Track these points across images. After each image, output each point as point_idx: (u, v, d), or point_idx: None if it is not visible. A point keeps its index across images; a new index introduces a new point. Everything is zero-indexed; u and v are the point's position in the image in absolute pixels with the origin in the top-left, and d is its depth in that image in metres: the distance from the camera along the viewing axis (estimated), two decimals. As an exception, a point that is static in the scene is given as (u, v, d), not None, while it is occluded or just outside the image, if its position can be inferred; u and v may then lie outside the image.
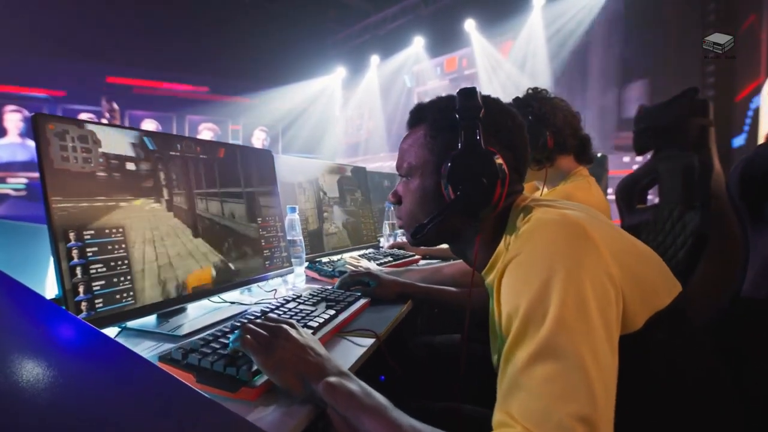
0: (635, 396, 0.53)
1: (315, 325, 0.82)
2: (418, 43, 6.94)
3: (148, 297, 0.80)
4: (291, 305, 0.93)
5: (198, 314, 0.97)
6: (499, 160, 0.68)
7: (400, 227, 0.83)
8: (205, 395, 0.47)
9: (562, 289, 0.49)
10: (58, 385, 0.40)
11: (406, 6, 6.94)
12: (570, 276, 0.50)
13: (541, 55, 5.26)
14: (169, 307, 0.85)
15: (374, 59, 7.54)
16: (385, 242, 2.05)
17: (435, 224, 0.72)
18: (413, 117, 0.79)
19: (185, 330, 0.87)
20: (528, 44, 5.46)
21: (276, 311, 0.87)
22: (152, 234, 0.83)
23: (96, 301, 0.71)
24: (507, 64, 5.69)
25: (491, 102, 0.73)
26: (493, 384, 0.52)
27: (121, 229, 0.77)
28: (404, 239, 2.02)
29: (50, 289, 0.83)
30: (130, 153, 0.83)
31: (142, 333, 0.87)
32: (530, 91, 1.43)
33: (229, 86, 7.32)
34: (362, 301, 1.03)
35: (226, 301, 1.07)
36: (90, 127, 0.76)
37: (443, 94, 0.79)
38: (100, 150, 0.77)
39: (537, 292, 0.50)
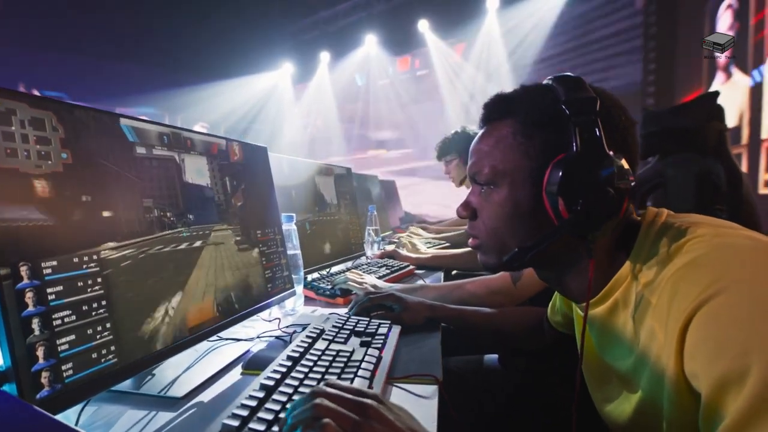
0: None
1: (366, 375, 0.63)
2: (371, 41, 6.78)
3: (137, 349, 0.57)
4: (320, 345, 0.72)
5: (188, 360, 0.74)
6: (626, 166, 0.54)
7: (475, 247, 0.66)
8: None
9: None
10: None
11: (357, 3, 6.75)
12: None
13: (502, 61, 5.32)
14: (165, 358, 0.62)
15: (324, 56, 7.26)
16: (369, 250, 1.86)
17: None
18: (494, 111, 0.63)
19: (182, 388, 0.64)
20: (488, 48, 5.50)
21: (308, 356, 0.67)
22: (136, 259, 0.60)
23: (64, 366, 0.47)
24: (469, 67, 5.70)
25: (601, 93, 0.58)
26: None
27: (95, 256, 0.53)
28: (390, 247, 1.85)
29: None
30: (104, 146, 0.59)
31: (120, 396, 0.63)
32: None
33: (165, 77, 6.67)
34: (395, 332, 0.85)
35: (221, 338, 0.84)
36: (48, 107, 0.52)
37: (530, 83, 0.63)
38: (62, 141, 0.52)
39: None
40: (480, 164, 0.62)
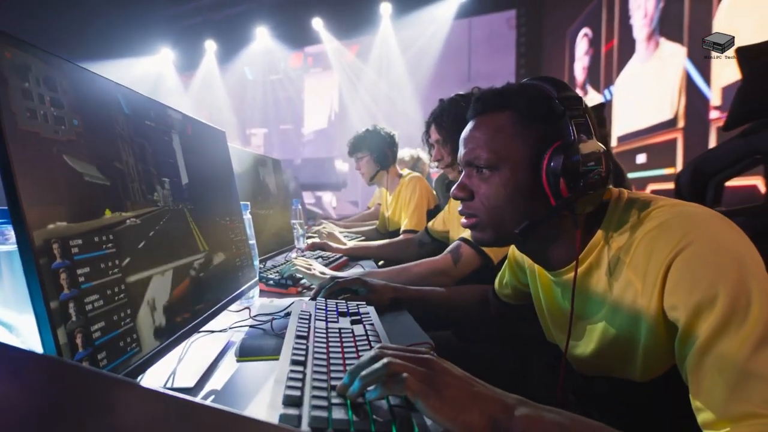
0: None
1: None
2: (261, 33, 6.52)
3: (151, 338, 0.53)
4: (318, 324, 0.73)
5: (172, 355, 0.68)
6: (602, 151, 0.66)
7: (471, 225, 0.73)
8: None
9: (756, 274, 0.50)
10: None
11: (246, -8, 6.44)
12: (756, 262, 0.51)
13: (401, 69, 5.56)
14: (174, 346, 0.57)
15: (210, 44, 6.78)
16: (296, 243, 1.84)
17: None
18: (489, 103, 0.71)
19: (188, 379, 0.61)
20: (387, 56, 5.70)
21: (316, 335, 0.67)
22: (145, 238, 0.55)
23: (99, 356, 0.43)
24: (368, 70, 5.84)
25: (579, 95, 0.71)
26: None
27: (111, 236, 0.48)
28: (313, 240, 1.85)
29: None
30: (106, 116, 0.53)
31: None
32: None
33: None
34: (373, 310, 0.89)
35: (198, 331, 0.79)
36: (54, 63, 0.45)
37: (512, 82, 0.74)
38: (72, 106, 0.46)
39: (735, 280, 0.49)
40: (479, 150, 0.69)
